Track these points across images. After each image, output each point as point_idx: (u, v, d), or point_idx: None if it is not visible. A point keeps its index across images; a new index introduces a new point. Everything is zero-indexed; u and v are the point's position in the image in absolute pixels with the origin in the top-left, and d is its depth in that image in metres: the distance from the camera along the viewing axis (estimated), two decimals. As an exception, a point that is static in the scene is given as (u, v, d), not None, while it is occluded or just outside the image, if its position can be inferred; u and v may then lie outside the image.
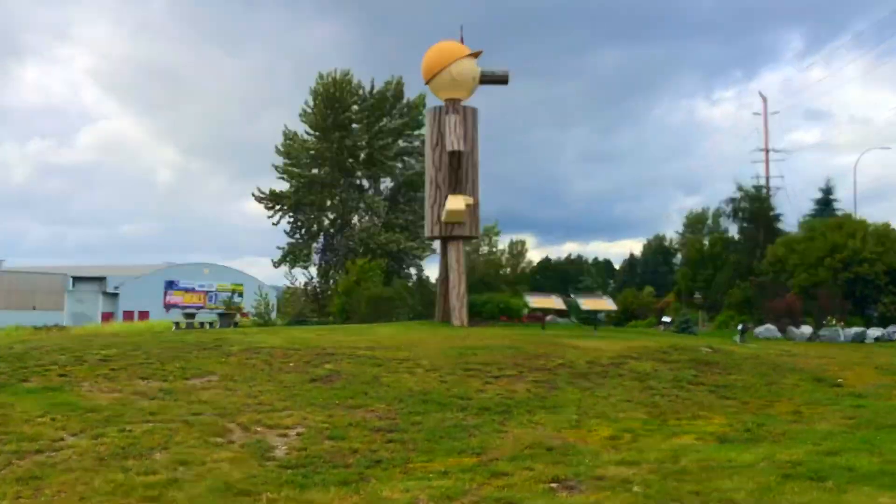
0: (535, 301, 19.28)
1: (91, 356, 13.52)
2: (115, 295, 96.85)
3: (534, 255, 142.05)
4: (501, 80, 23.83)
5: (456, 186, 22.47)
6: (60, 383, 11.25)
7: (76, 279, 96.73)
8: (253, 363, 13.39)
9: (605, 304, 19.61)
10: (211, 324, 28.65)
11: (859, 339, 28.06)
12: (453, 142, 21.78)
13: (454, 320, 22.58)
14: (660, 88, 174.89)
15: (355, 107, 52.25)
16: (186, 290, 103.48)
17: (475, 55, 23.39)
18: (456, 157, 21.86)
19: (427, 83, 23.50)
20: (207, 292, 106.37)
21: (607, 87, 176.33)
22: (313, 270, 53.01)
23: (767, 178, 59.23)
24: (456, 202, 22.30)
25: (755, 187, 47.09)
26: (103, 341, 16.19)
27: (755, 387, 14.30)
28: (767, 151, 59.71)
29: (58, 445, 8.14)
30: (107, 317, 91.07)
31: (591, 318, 27.59)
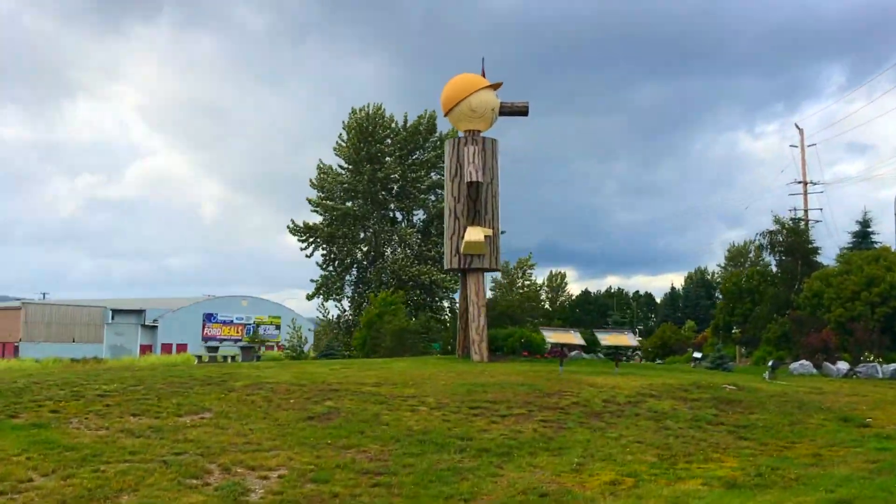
0: (553, 336, 18.73)
1: (91, 391, 13.31)
2: (154, 327, 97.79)
3: (575, 288, 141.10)
4: (521, 111, 23.50)
5: (475, 218, 22.08)
6: (49, 420, 11.01)
7: (115, 312, 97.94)
8: (252, 399, 13.06)
9: (627, 339, 18.97)
10: (233, 357, 28.47)
11: (899, 375, 26.92)
12: (471, 172, 21.45)
13: (473, 355, 22.08)
14: (701, 122, 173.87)
15: (388, 140, 52.43)
16: (224, 323, 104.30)
17: (495, 87, 23.13)
18: (474, 188, 21.51)
19: (446, 115, 23.26)
20: (245, 325, 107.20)
21: (648, 121, 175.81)
22: (346, 303, 53.00)
23: (806, 211, 58.14)
24: (475, 233, 21.91)
25: (793, 220, 46.00)
26: (111, 375, 16.00)
27: (777, 427, 13.59)
28: (805, 184, 58.65)
29: (23, 487, 7.83)
30: (145, 349, 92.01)
31: (616, 354, 26.90)
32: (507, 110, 23.38)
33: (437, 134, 53.07)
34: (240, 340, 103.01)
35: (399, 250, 53.38)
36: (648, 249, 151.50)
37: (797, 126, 57.00)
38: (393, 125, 53.07)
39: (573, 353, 25.53)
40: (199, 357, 28.69)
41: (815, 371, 27.75)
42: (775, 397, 16.32)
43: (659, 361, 51.18)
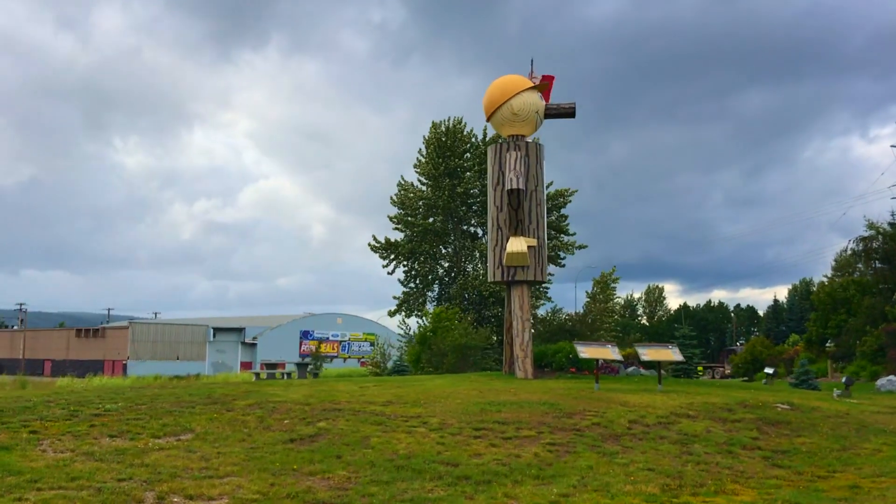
0: (587, 351, 17.48)
1: (90, 410, 13.01)
2: (254, 345, 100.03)
3: (678, 303, 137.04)
4: (568, 113, 22.38)
5: (517, 227, 21.06)
6: (21, 441, 10.66)
7: (217, 330, 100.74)
8: (245, 420, 12.46)
9: (671, 354, 17.51)
10: (289, 374, 28.22)
11: None
12: (512, 179, 20.47)
13: (517, 372, 21.02)
14: (810, 128, 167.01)
15: (467, 154, 51.76)
16: (321, 340, 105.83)
17: (540, 87, 22.11)
18: (515, 196, 20.49)
19: (488, 119, 22.37)
20: (340, 342, 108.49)
21: (754, 129, 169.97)
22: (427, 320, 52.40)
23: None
24: (517, 244, 20.90)
25: (891, 224, 42.83)
26: (137, 394, 15.79)
27: (822, 452, 12.09)
28: (911, 186, 54.83)
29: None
30: (246, 366, 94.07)
31: (683, 369, 25.32)
32: (554, 112, 22.31)
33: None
34: (335, 357, 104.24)
35: (480, 266, 52.59)
36: (756, 262, 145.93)
37: (899, 125, 53.24)
38: (472, 139, 52.41)
39: (630, 369, 24.18)
40: (258, 374, 28.54)
41: (906, 388, 25.45)
42: (833, 418, 14.69)
43: (744, 378, 48.59)
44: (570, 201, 49.67)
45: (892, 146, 57.22)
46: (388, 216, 52.56)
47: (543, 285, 46.12)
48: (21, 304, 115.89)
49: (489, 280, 22.62)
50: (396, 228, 52.60)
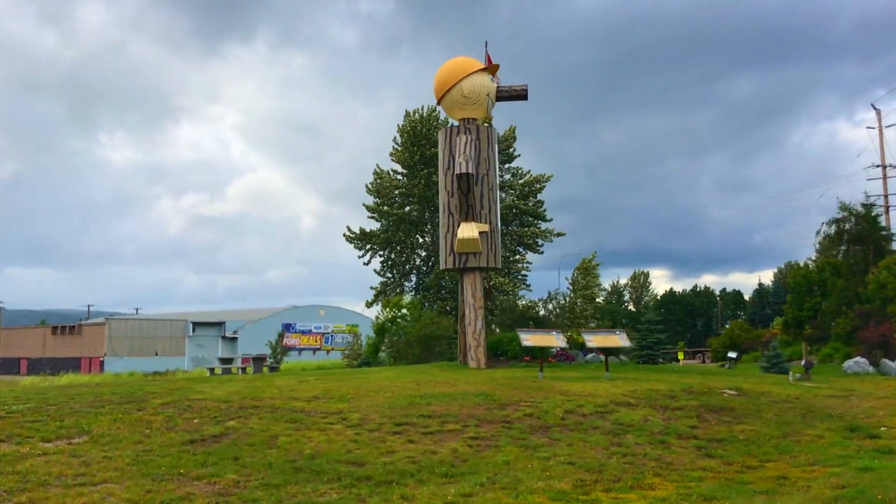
0: (530, 339, 16.84)
1: (-6, 412, 12.30)
2: (234, 339, 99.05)
3: (670, 288, 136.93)
4: (520, 95, 21.69)
5: (468, 213, 20.39)
6: None
7: (196, 324, 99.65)
8: (153, 420, 11.77)
9: (618, 340, 16.90)
10: (244, 369, 27.51)
11: (971, 372, 23.84)
12: (461, 164, 19.79)
13: (470, 361, 20.39)
14: (797, 113, 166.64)
15: None
16: (303, 333, 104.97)
17: (491, 70, 21.41)
18: (465, 180, 19.80)
19: (439, 103, 21.66)
20: (323, 334, 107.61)
21: (742, 114, 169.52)
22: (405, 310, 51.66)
23: (886, 196, 53.76)
24: (469, 230, 20.24)
25: (864, 205, 42.24)
26: (60, 392, 15.08)
27: (761, 440, 11.51)
28: (885, 167, 54.34)
29: None
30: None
31: (649, 355, 24.76)
32: (506, 95, 21.63)
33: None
34: (318, 349, 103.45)
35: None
36: (745, 246, 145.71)
37: (874, 106, 52.77)
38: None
39: (588, 356, 23.56)
40: (212, 369, 27.81)
41: (871, 369, 24.89)
42: (781, 404, 14.12)
43: (723, 364, 47.98)
44: (545, 187, 49.01)
45: (868, 128, 56.65)
46: (364, 205, 51.79)
47: (522, 272, 45.54)
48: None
49: (441, 268, 21.94)
50: (372, 217, 51.83)
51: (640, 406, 13.30)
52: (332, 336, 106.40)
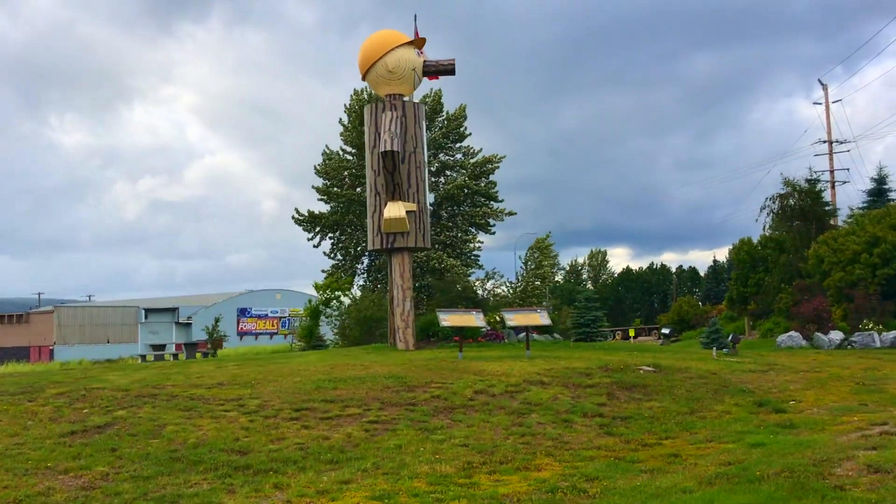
0: (449, 319, 16.60)
1: None
2: (189, 325, 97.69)
3: (631, 267, 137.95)
4: (448, 70, 21.30)
5: (395, 191, 20.01)
6: None
7: (149, 311, 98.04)
8: (40, 410, 11.29)
9: (539, 319, 16.74)
10: (176, 355, 26.94)
11: (901, 343, 24.12)
12: (386, 141, 19.38)
13: (399, 343, 20.11)
14: (756, 90, 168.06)
15: None
16: (259, 317, 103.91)
17: (416, 44, 20.97)
18: (389, 158, 19.40)
19: (364, 79, 21.19)
20: (280, 318, 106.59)
21: (702, 93, 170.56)
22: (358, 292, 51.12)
23: (832, 172, 54.38)
24: (395, 209, 19.88)
25: (808, 180, 42.60)
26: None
27: (666, 416, 11.38)
28: (830, 143, 54.90)
29: None
30: (180, 347, 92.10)
31: (586, 333, 24.68)
32: (433, 70, 21.21)
33: (444, 113, 50.82)
34: (275, 333, 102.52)
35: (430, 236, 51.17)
36: (705, 224, 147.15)
37: (820, 82, 53.21)
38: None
39: (521, 335, 23.30)
40: (144, 356, 27.22)
41: (804, 343, 25.12)
42: (696, 379, 14.03)
43: (673, 340, 48.55)
44: (499, 167, 48.67)
45: (815, 103, 57.17)
46: (314, 187, 51.08)
47: (474, 253, 45.28)
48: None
49: (369, 248, 21.54)
50: (322, 199, 51.10)
51: (553, 385, 13.11)
52: (289, 320, 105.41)
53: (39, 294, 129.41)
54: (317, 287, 30.10)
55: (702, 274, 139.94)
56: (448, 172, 50.93)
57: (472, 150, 46.48)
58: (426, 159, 21.17)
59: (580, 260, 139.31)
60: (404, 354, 17.79)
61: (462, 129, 47.00)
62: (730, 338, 20.78)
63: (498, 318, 21.11)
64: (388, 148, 19.26)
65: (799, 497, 6.53)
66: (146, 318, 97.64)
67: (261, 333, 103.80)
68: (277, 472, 8.59)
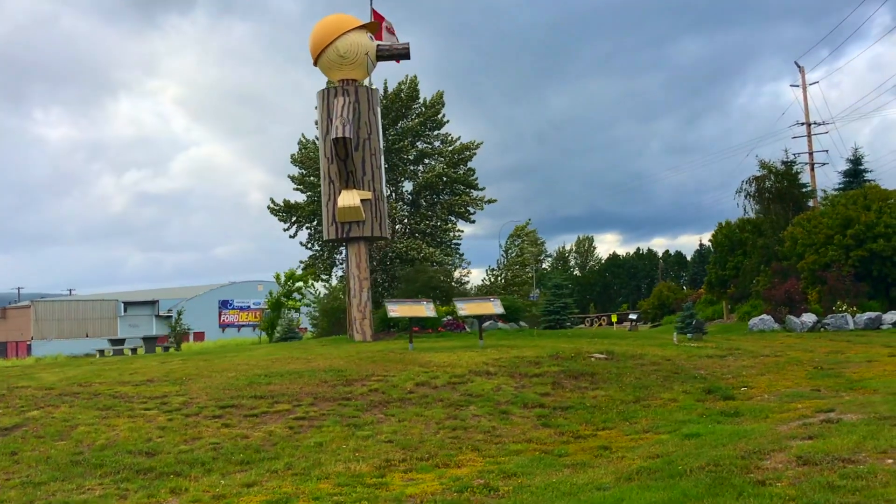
0: (398, 310, 16.09)
1: None
2: (169, 317, 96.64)
3: (619, 252, 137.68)
4: (402, 54, 20.76)
5: (349, 179, 19.46)
6: None
7: (128, 304, 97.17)
8: (-49, 412, 10.73)
9: (492, 307, 16.27)
10: (134, 349, 26.36)
11: (873, 325, 23.85)
12: (337, 127, 18.82)
13: (356, 335, 19.61)
14: (743, 75, 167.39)
15: None
16: (241, 309, 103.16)
17: (370, 28, 20.39)
18: (341, 145, 18.84)
19: (316, 64, 20.57)
20: (262, 310, 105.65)
21: (690, 78, 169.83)
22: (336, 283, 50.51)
23: (811, 154, 54.03)
24: (349, 198, 19.34)
25: (784, 162, 42.24)
26: None
27: (609, 406, 10.93)
28: (809, 125, 54.55)
29: None
30: (162, 340, 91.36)
31: (556, 320, 24.26)
32: (386, 54, 20.66)
33: (421, 100, 50.10)
34: (257, 325, 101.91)
35: (389, 225, 50.58)
36: (694, 208, 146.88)
37: (797, 64, 52.72)
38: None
39: (487, 324, 22.83)
40: (101, 351, 26.64)
41: (776, 326, 24.74)
42: (648, 366, 13.59)
43: (655, 325, 48.29)
44: (476, 154, 48.02)
45: (791, 85, 56.65)
46: (290, 176, 50.34)
47: (454, 242, 44.80)
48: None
49: (324, 238, 20.98)
50: (297, 189, 50.37)
51: (499, 374, 12.63)
52: (269, 312, 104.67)
53: (19, 289, 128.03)
54: (277, 278, 29.46)
55: (689, 258, 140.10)
56: (426, 161, 50.36)
57: (450, 138, 45.87)
58: (381, 146, 20.62)
59: (567, 247, 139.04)
60: (357, 346, 17.29)
61: (440, 116, 46.33)
62: (693, 323, 20.38)
63: (441, 307, 20.63)
64: (340, 134, 18.71)
65: (715, 494, 6.07)
66: (125, 311, 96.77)
67: (243, 325, 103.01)
68: (180, 474, 8.08)
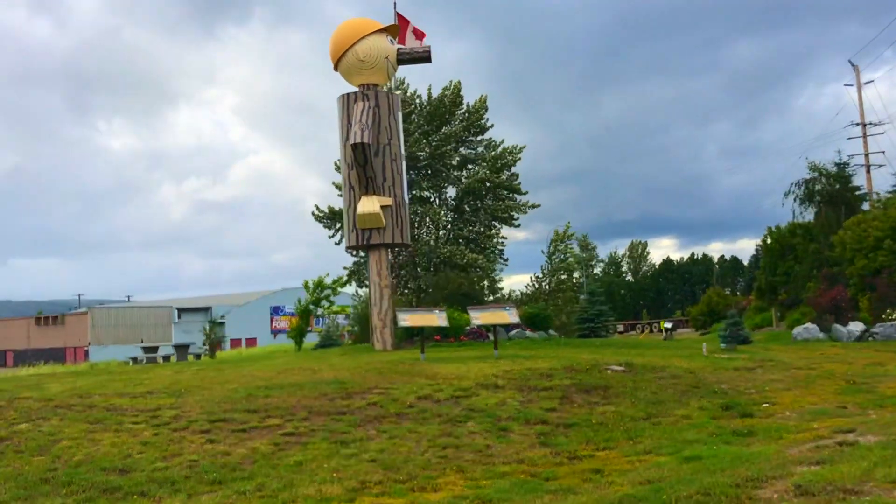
0: (409, 319, 15.61)
1: None
2: (222, 324, 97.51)
3: (675, 257, 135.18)
4: (424, 58, 20.34)
5: (369, 185, 19.11)
6: None
7: (182, 310, 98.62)
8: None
9: (507, 317, 15.70)
10: (167, 357, 26.39)
11: (925, 334, 22.54)
12: (355, 133, 18.48)
13: (376, 343, 19.23)
14: (803, 75, 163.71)
15: (413, 116, 49.23)
16: (292, 315, 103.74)
17: (390, 31, 20.03)
18: (360, 150, 18.49)
19: (336, 69, 20.28)
20: (314, 316, 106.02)
21: (746, 80, 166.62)
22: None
23: (866, 155, 52.13)
24: (369, 204, 18.99)
25: (837, 164, 40.73)
26: None
27: (617, 422, 10.33)
28: (864, 125, 52.65)
29: None
30: (216, 346, 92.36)
31: (591, 328, 23.61)
32: (407, 58, 20.27)
33: (465, 105, 49.71)
34: (310, 331, 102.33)
35: (432, 231, 50.25)
36: (754, 212, 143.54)
37: (851, 63, 50.99)
38: (417, 100, 49.83)
39: (512, 333, 22.25)
40: (134, 358, 26.74)
41: (821, 335, 23.61)
42: (668, 379, 12.91)
43: (702, 332, 46.95)
44: (520, 159, 47.39)
45: (846, 85, 54.76)
46: (334, 183, 50.28)
47: (498, 248, 44.24)
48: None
49: (346, 245, 20.67)
50: (341, 195, 50.15)
51: (506, 388, 12.10)
52: (322, 318, 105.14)
53: (80, 295, 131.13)
54: (305, 285, 29.27)
55: (745, 263, 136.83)
56: (469, 166, 49.83)
57: (493, 143, 45.33)
58: (403, 151, 20.21)
59: (619, 252, 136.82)
60: (373, 356, 16.89)
61: (483, 121, 45.85)
62: (727, 333, 19.49)
63: (455, 316, 20.11)
64: (358, 140, 18.37)
65: (691, 530, 5.48)
66: (179, 317, 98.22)
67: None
68: (146, 494, 7.75)
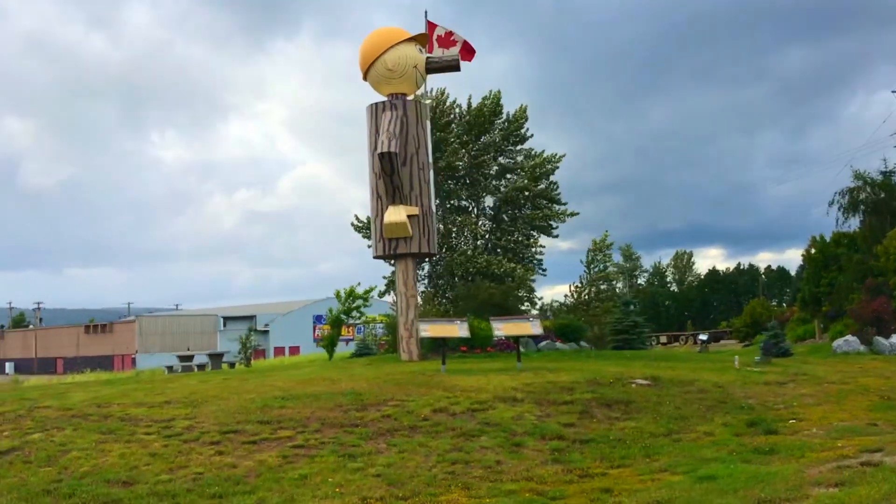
0: (430, 329, 15.41)
1: None
2: (266, 332, 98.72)
3: (723, 267, 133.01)
4: (452, 66, 20.20)
5: (395, 195, 19.01)
6: None
7: (227, 319, 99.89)
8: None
9: (530, 328, 15.42)
10: (201, 366, 26.57)
11: (974, 348, 21.74)
12: (383, 142, 18.41)
13: (402, 353, 19.08)
14: (853, 83, 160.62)
15: (452, 126, 49.22)
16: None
17: (419, 40, 19.94)
18: (387, 160, 18.40)
19: (365, 79, 20.23)
20: (356, 325, 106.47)
21: (795, 88, 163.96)
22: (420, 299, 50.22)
23: (916, 163, 50.65)
24: (396, 214, 18.88)
25: (883, 172, 39.64)
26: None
27: (636, 439, 10.03)
28: (914, 132, 51.19)
29: None
30: (258, 354, 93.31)
31: (625, 339, 23.26)
32: (436, 66, 20.15)
33: (504, 115, 49.52)
34: (351, 340, 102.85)
35: (470, 241, 50.12)
36: (802, 221, 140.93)
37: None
38: (457, 109, 49.75)
39: (542, 344, 21.93)
40: (170, 367, 26.96)
41: (862, 348, 22.88)
42: (694, 393, 12.54)
43: (745, 344, 45.99)
44: (558, 167, 46.99)
45: (893, 91, 53.51)
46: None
47: (537, 257, 43.88)
48: (38, 303, 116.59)
49: (373, 255, 20.58)
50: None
51: (525, 401, 11.84)
52: (363, 327, 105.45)
53: (129, 304, 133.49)
54: (337, 295, 29.27)
55: (792, 274, 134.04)
56: (508, 175, 49.53)
57: (533, 153, 45.01)
58: (430, 160, 20.08)
59: (664, 262, 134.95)
60: (396, 366, 16.74)
61: (523, 130, 45.57)
62: (761, 345, 18.94)
63: (476, 326, 19.84)
64: (385, 149, 18.28)
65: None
66: (225, 325, 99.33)
67: (338, 340, 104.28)
68: (144, 509, 7.66)
